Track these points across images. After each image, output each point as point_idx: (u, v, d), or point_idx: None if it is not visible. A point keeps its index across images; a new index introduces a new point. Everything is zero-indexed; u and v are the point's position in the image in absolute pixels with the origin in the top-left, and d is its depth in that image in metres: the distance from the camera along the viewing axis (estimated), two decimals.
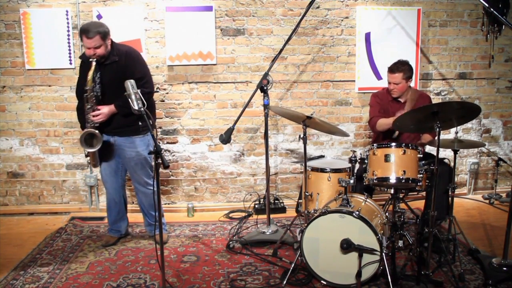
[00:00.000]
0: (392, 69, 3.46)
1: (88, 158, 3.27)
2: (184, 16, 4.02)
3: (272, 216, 3.70)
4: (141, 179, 3.34)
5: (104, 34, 3.03)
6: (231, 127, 3.24)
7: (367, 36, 4.20)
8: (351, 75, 4.29)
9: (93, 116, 3.10)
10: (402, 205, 3.32)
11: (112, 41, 3.15)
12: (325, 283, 2.76)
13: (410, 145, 2.89)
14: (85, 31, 2.99)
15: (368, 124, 3.77)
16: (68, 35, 4.00)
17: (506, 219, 2.83)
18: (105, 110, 3.13)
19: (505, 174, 4.67)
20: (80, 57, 3.32)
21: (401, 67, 3.42)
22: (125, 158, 3.30)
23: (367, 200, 3.00)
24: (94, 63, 3.03)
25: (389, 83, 3.51)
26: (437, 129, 2.67)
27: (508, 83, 4.51)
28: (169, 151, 4.28)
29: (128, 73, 3.02)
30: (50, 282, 2.87)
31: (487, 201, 4.41)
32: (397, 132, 3.47)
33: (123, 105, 3.01)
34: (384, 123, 3.48)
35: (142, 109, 2.51)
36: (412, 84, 3.62)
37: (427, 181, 3.03)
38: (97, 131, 3.10)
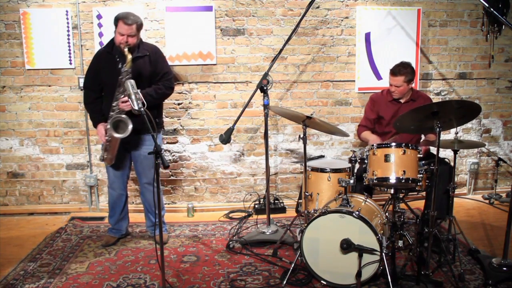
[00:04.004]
0: (394, 72, 3.45)
1: (106, 152, 3.19)
2: (184, 16, 4.02)
3: (272, 216, 3.70)
4: (152, 177, 3.31)
5: (140, 25, 3.13)
6: (231, 127, 3.24)
7: (367, 36, 4.20)
8: (351, 75, 4.29)
9: (122, 102, 3.02)
10: (402, 205, 3.32)
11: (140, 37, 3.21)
12: (325, 283, 2.76)
13: (410, 145, 2.89)
14: (124, 17, 3.03)
15: (357, 129, 3.83)
16: (68, 35, 4.00)
17: (506, 219, 2.83)
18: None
19: (505, 174, 4.67)
20: (104, 47, 3.27)
21: (403, 70, 3.41)
22: (140, 155, 3.29)
23: (367, 200, 3.01)
24: (126, 49, 3.00)
25: (391, 85, 3.51)
26: (437, 129, 2.67)
27: (508, 83, 4.51)
28: (169, 151, 4.28)
29: (158, 68, 3.23)
30: (50, 282, 2.87)
31: (487, 201, 4.41)
32: (393, 136, 3.52)
33: (152, 94, 3.12)
34: (366, 138, 3.63)
35: (142, 109, 2.50)
36: (412, 84, 3.63)
37: (427, 181, 3.03)
38: (125, 117, 3.01)
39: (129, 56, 2.99)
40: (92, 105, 3.27)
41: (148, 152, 2.46)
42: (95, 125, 3.28)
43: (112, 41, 3.20)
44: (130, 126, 3.01)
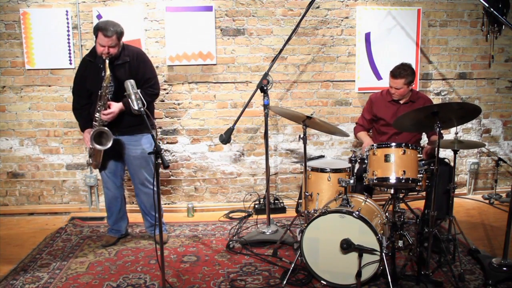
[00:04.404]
0: (395, 75, 3.43)
1: (90, 158, 3.26)
2: (184, 16, 4.02)
3: (272, 216, 3.70)
4: (144, 178, 3.33)
5: (121, 34, 3.05)
6: (231, 127, 3.24)
7: (367, 36, 4.20)
8: (351, 75, 4.29)
9: (104, 114, 3.06)
10: (402, 205, 3.32)
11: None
12: (325, 283, 2.76)
13: (410, 145, 2.89)
14: (103, 29, 2.95)
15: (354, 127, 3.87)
16: (68, 35, 4.00)
17: (506, 219, 2.83)
18: (116, 109, 3.08)
19: (505, 174, 4.67)
20: (87, 56, 3.23)
21: (403, 72, 3.39)
22: (129, 157, 3.29)
23: (367, 200, 3.01)
24: (107, 61, 2.99)
25: (391, 87, 3.51)
26: (437, 129, 2.67)
27: (508, 83, 4.51)
28: (169, 151, 4.28)
29: (139, 74, 3.12)
30: (50, 282, 2.87)
31: (487, 201, 4.41)
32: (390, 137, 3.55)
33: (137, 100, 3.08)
34: (361, 139, 3.70)
35: (142, 109, 2.50)
36: (412, 86, 3.63)
37: (427, 181, 3.03)
38: (107, 129, 3.06)
39: (108, 72, 2.98)
40: (80, 110, 3.26)
41: (148, 152, 2.46)
42: (82, 130, 3.28)
43: (94, 49, 3.12)
44: (111, 139, 3.06)
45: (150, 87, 3.18)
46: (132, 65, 3.14)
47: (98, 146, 3.08)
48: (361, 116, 3.80)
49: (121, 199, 3.47)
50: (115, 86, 3.10)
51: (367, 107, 3.73)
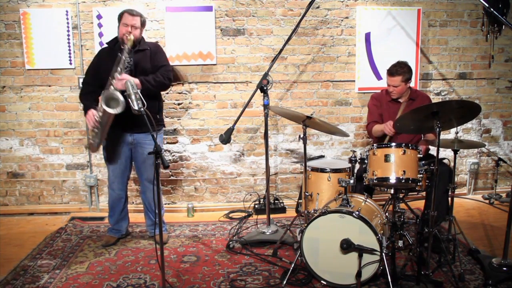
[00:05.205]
0: (391, 72, 3.45)
1: (93, 137, 3.17)
2: (184, 16, 4.02)
3: (272, 216, 3.70)
4: (153, 175, 3.32)
5: (144, 21, 3.29)
6: (231, 127, 3.24)
7: (367, 36, 4.20)
8: (351, 75, 4.29)
9: (117, 79, 2.99)
10: (402, 205, 3.32)
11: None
12: (325, 283, 2.76)
13: (410, 145, 2.89)
14: (129, 10, 3.20)
15: (366, 128, 3.80)
16: (68, 35, 4.00)
17: (506, 219, 2.83)
18: (129, 77, 3.02)
19: (505, 174, 4.67)
20: (107, 43, 3.34)
21: (400, 70, 3.41)
22: (142, 154, 3.29)
23: (367, 200, 3.00)
24: (130, 38, 3.12)
25: (388, 85, 3.51)
26: (437, 129, 2.67)
27: (508, 83, 4.51)
28: (169, 151, 4.27)
29: (157, 60, 3.29)
30: (50, 282, 2.87)
31: (487, 201, 4.41)
32: (387, 138, 3.47)
33: (149, 80, 3.16)
34: (378, 129, 3.54)
35: (142, 109, 2.50)
36: (412, 84, 3.63)
37: (427, 181, 3.03)
38: (118, 93, 2.96)
39: (131, 37, 3.10)
40: (87, 95, 3.25)
41: (148, 152, 2.46)
42: (85, 111, 3.19)
43: (115, 39, 3.27)
44: (122, 101, 2.94)
45: (166, 71, 3.29)
46: (152, 52, 3.29)
47: (108, 109, 2.96)
48: (370, 116, 3.69)
49: (125, 200, 3.49)
50: (133, 69, 3.19)
51: (373, 105, 3.67)
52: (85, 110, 3.23)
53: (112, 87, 3.00)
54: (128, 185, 3.54)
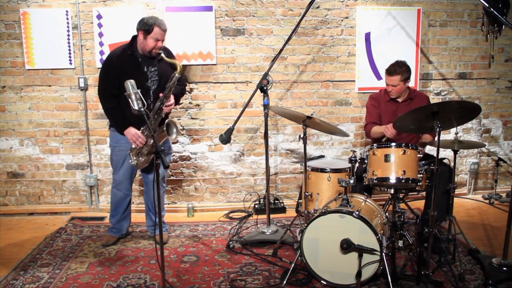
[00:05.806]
0: (390, 72, 3.44)
1: (139, 157, 3.18)
2: (184, 16, 4.02)
3: (272, 216, 3.70)
4: (162, 176, 3.38)
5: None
6: (231, 127, 3.24)
7: (367, 36, 4.20)
8: (351, 75, 4.29)
9: (166, 106, 3.15)
10: (402, 205, 3.32)
11: None
12: (325, 283, 2.76)
13: (410, 145, 2.89)
14: (160, 24, 3.09)
15: (364, 129, 3.79)
16: (68, 35, 4.00)
17: (506, 219, 2.83)
18: (174, 101, 3.23)
19: (505, 174, 4.67)
20: (125, 49, 3.16)
21: (398, 69, 3.41)
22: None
23: (367, 200, 3.00)
24: (164, 56, 3.14)
25: (387, 85, 3.51)
26: (437, 129, 2.67)
27: (508, 83, 4.51)
28: None
29: (174, 67, 3.19)
30: (50, 282, 2.87)
31: (487, 201, 4.41)
32: (385, 137, 3.46)
33: (178, 96, 3.31)
34: (377, 131, 3.52)
35: (142, 109, 2.50)
36: (412, 84, 3.62)
37: (427, 181, 3.03)
38: (174, 120, 3.04)
39: (179, 63, 3.12)
40: (115, 109, 3.19)
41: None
42: (122, 130, 3.18)
43: (132, 43, 3.17)
44: (176, 128, 3.01)
45: (183, 80, 3.37)
46: (168, 56, 3.23)
47: (172, 136, 3.01)
48: (368, 117, 3.69)
49: (129, 200, 3.49)
50: (158, 80, 3.21)
51: (371, 105, 3.66)
52: (120, 127, 3.19)
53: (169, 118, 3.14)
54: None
